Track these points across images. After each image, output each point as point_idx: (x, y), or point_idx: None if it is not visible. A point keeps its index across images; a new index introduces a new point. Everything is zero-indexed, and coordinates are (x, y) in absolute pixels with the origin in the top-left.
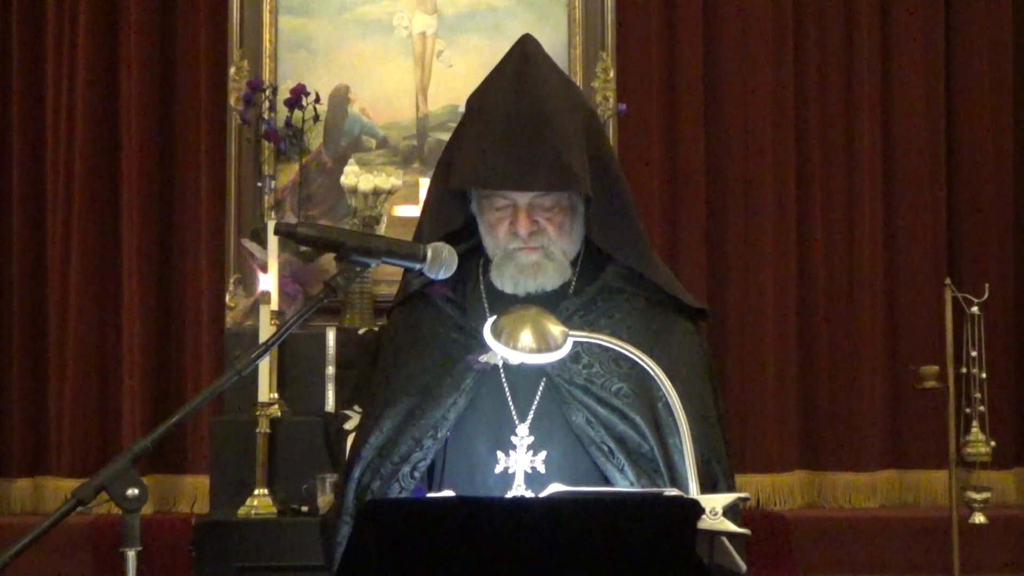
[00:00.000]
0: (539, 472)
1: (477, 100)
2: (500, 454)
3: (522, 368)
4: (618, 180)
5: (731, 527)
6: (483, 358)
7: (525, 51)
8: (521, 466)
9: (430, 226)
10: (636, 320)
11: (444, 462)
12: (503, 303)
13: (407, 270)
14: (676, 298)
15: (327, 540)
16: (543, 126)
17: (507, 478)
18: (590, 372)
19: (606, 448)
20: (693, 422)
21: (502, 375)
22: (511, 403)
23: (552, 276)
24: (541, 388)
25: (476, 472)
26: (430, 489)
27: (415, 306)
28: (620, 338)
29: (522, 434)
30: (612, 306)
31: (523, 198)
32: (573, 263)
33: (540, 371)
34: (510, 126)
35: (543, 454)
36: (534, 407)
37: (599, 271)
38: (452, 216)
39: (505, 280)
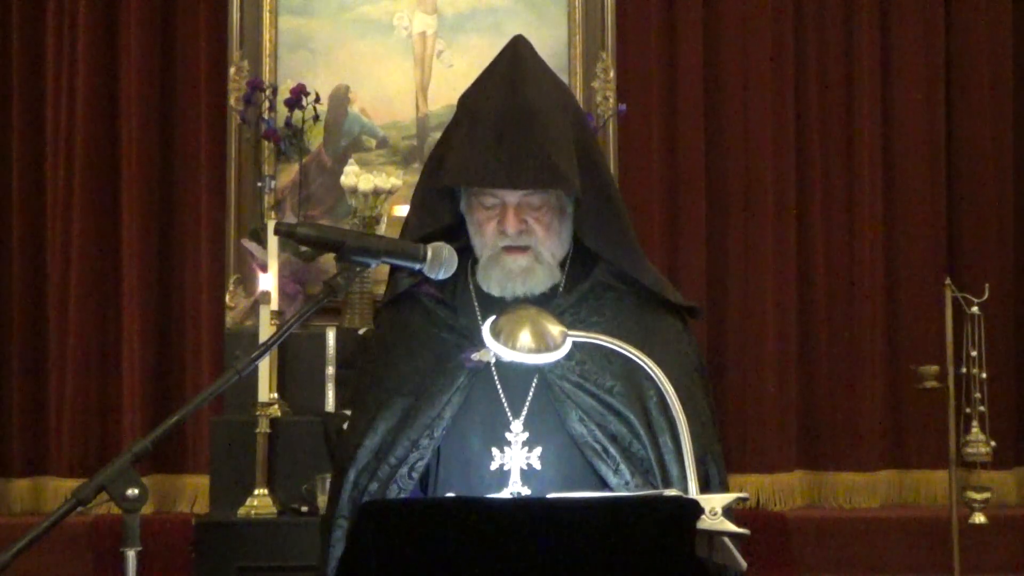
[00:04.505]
0: (535, 469)
1: (468, 99)
2: (495, 451)
3: (515, 365)
4: (607, 181)
5: (731, 527)
6: (475, 356)
7: (517, 52)
8: (516, 463)
9: (417, 223)
10: (627, 318)
11: (438, 461)
12: (493, 303)
13: (396, 270)
14: (665, 297)
15: (322, 542)
16: (533, 125)
17: (503, 475)
18: (583, 369)
19: (600, 447)
20: (687, 421)
21: (494, 373)
22: (504, 400)
23: (542, 279)
24: (534, 385)
25: (471, 470)
26: (424, 487)
27: (404, 306)
28: (612, 336)
29: (516, 430)
30: (602, 304)
31: (512, 197)
32: (561, 265)
33: (533, 368)
34: (500, 125)
35: (538, 450)
36: (527, 404)
37: (588, 272)
38: (440, 214)
39: (492, 283)
